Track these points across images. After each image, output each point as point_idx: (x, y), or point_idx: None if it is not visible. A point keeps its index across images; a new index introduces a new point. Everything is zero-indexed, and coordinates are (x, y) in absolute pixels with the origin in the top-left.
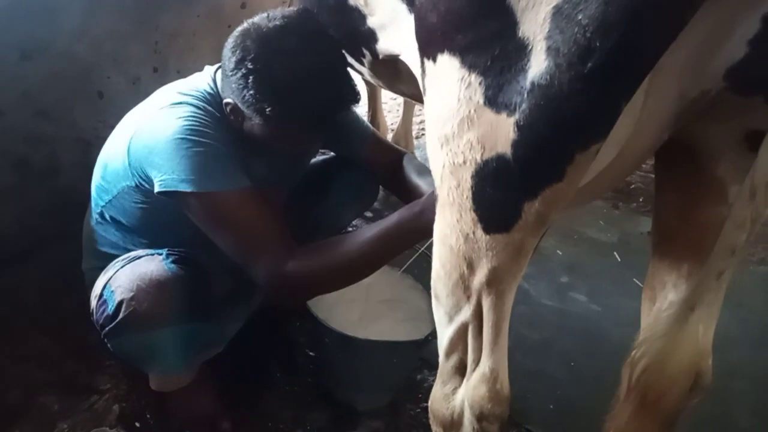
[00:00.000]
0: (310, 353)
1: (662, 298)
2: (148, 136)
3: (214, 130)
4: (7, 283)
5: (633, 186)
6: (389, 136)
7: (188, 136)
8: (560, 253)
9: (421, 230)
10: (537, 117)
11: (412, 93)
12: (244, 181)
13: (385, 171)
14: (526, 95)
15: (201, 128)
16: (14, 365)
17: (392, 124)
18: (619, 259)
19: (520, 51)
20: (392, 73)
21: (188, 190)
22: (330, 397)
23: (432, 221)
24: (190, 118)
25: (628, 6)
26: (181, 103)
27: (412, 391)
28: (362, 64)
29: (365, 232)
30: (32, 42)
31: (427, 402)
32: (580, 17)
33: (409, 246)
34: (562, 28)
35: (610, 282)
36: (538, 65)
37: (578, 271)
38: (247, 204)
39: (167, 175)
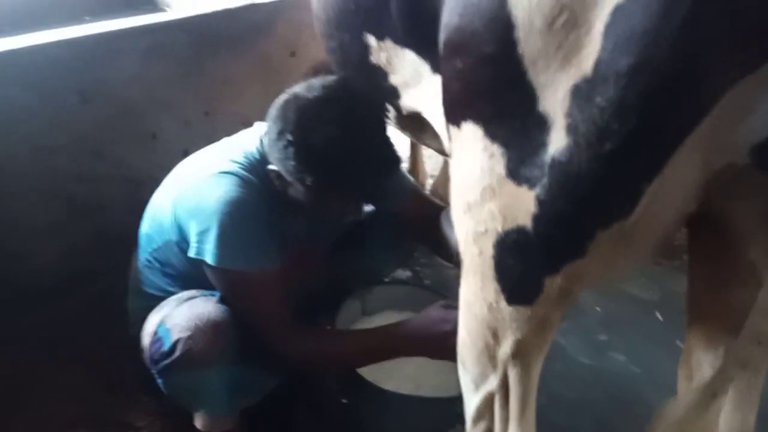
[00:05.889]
0: (342, 400)
1: (699, 379)
2: (191, 202)
3: (254, 204)
4: (46, 315)
5: (676, 243)
6: (429, 182)
7: (226, 211)
8: (599, 309)
9: (414, 353)
10: (557, 193)
11: (438, 147)
12: (264, 263)
13: (422, 227)
14: (546, 170)
15: (240, 204)
16: (49, 400)
17: (433, 170)
18: (661, 319)
19: (541, 126)
20: (418, 127)
21: (210, 262)
22: None
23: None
24: (232, 192)
25: (648, 92)
26: (228, 172)
27: None
28: (388, 117)
29: (361, 337)
30: (92, 86)
31: None
32: (597, 99)
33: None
34: (581, 107)
35: (651, 343)
36: (558, 141)
37: (617, 329)
38: (260, 285)
39: (199, 244)
